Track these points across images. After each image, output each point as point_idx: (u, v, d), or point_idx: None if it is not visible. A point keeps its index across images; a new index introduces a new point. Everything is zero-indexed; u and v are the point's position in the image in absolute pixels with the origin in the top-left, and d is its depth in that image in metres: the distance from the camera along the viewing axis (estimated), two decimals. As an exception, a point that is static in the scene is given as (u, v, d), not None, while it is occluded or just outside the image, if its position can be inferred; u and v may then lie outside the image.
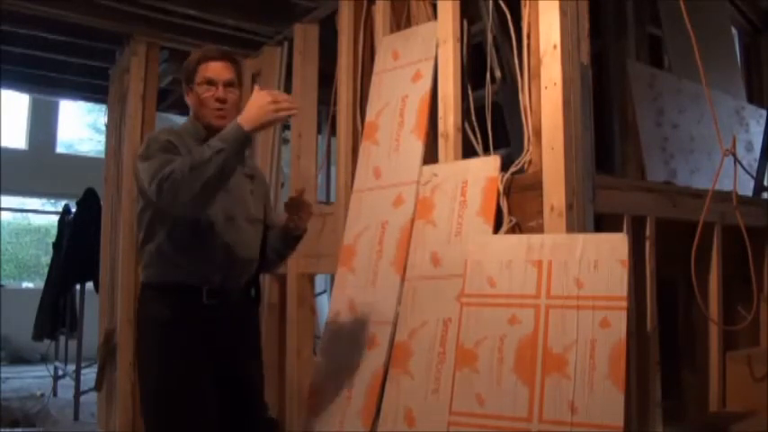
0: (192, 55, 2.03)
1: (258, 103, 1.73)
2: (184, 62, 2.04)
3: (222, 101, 1.93)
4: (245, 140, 1.73)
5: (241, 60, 3.82)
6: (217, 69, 1.94)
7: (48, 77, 4.64)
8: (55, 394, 5.55)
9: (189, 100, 2.00)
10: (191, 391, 1.83)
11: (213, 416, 1.85)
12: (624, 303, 1.79)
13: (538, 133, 2.13)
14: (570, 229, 1.98)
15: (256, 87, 1.80)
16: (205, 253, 1.89)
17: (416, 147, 2.51)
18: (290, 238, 2.12)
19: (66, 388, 5.34)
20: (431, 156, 2.50)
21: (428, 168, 2.45)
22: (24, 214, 9.81)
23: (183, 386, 1.83)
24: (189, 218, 1.84)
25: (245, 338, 2.02)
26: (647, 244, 2.31)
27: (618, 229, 2.17)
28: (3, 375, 6.19)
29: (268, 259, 2.14)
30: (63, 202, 6.82)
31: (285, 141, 4.05)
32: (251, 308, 2.09)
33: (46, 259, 8.00)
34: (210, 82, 1.93)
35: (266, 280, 3.51)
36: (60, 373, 5.69)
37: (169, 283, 1.88)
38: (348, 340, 2.40)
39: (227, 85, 1.95)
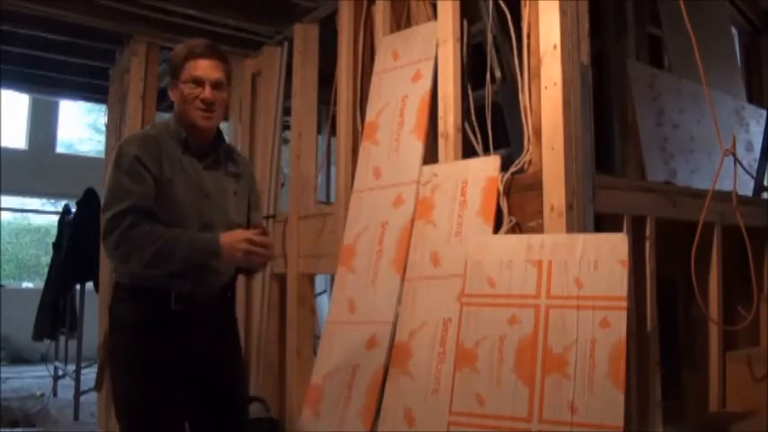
0: (179, 48, 1.90)
1: (235, 243, 1.73)
2: (170, 54, 1.94)
3: (209, 102, 1.83)
4: (215, 258, 1.75)
5: (231, 57, 3.83)
6: (205, 68, 1.83)
7: (48, 77, 4.64)
8: (55, 394, 5.55)
9: (173, 96, 1.89)
10: (153, 392, 1.77)
11: (177, 419, 1.82)
12: (624, 303, 1.79)
13: (538, 133, 2.13)
14: (570, 229, 1.98)
15: (247, 232, 1.78)
16: None
17: (416, 147, 2.50)
18: (245, 271, 2.04)
19: (66, 388, 5.34)
20: (431, 156, 2.50)
21: (428, 168, 2.45)
22: (24, 214, 9.81)
23: (147, 388, 1.77)
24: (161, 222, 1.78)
25: (219, 342, 1.91)
26: (647, 244, 2.31)
27: (618, 229, 2.17)
28: (3, 375, 6.18)
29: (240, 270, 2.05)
30: (63, 202, 6.81)
31: (285, 141, 4.05)
32: (225, 311, 1.99)
33: (46, 259, 7.99)
34: (198, 81, 1.82)
35: (266, 280, 3.52)
36: (60, 373, 5.69)
37: (138, 286, 1.81)
38: (348, 340, 2.40)
39: (216, 85, 1.84)
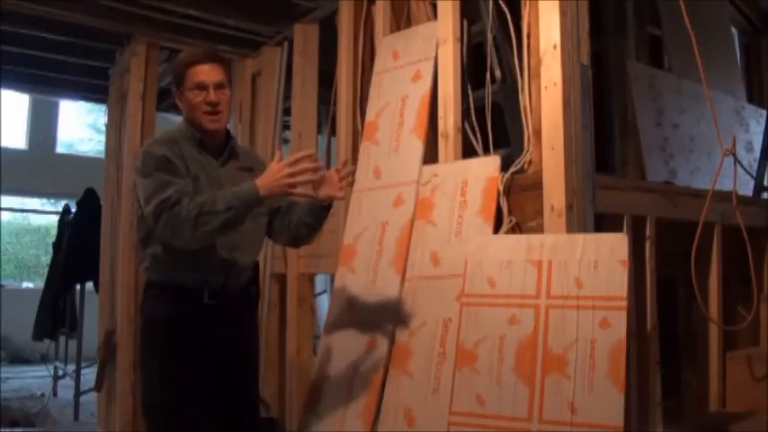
0: (180, 56, 2.02)
1: (275, 175, 1.75)
2: (172, 63, 2.02)
3: (214, 104, 1.91)
4: (257, 204, 1.78)
5: (231, 57, 3.85)
6: (206, 72, 1.91)
7: (48, 77, 4.63)
8: (55, 394, 5.55)
9: (180, 103, 1.99)
10: (186, 389, 1.85)
11: (206, 413, 1.87)
12: (624, 303, 1.79)
13: (538, 133, 2.13)
14: (570, 229, 1.98)
15: (278, 155, 1.79)
16: (207, 258, 1.89)
17: (416, 147, 2.50)
18: (321, 209, 2.00)
19: (66, 388, 5.34)
20: (431, 156, 2.50)
21: (428, 168, 2.45)
22: (24, 214, 9.81)
23: (180, 383, 1.85)
24: None
25: (244, 337, 2.04)
26: (647, 244, 2.31)
27: (618, 229, 2.17)
28: (3, 375, 6.19)
29: (300, 235, 2.08)
30: (63, 202, 6.81)
31: (285, 141, 4.05)
32: (250, 306, 2.10)
33: (46, 259, 7.99)
34: (201, 86, 1.91)
35: (266, 280, 3.52)
36: (60, 373, 5.69)
37: (171, 283, 1.90)
38: (348, 340, 2.40)
39: (218, 87, 1.92)
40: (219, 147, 2.00)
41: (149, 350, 1.95)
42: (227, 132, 2.05)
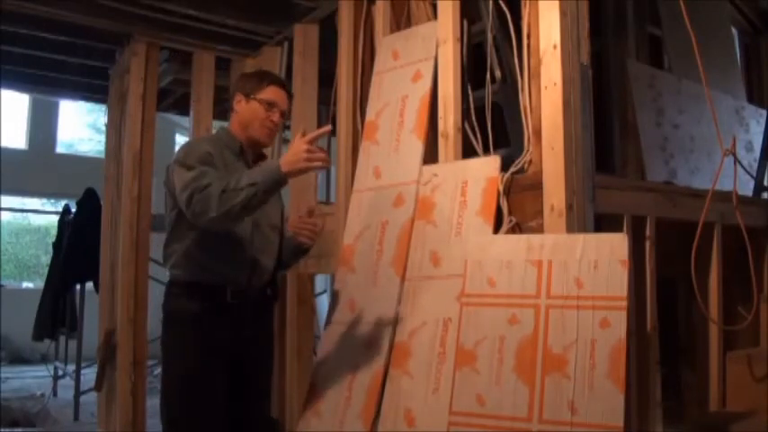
0: (262, 70, 2.30)
1: (296, 150, 1.83)
2: (251, 72, 2.25)
3: (276, 125, 2.11)
4: (279, 180, 1.84)
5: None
6: (282, 97, 2.12)
7: (48, 77, 4.63)
8: (55, 394, 5.56)
9: (239, 107, 2.11)
10: (207, 384, 1.94)
11: (222, 411, 1.96)
12: (624, 303, 1.79)
13: (538, 133, 2.13)
14: (570, 229, 1.97)
15: (299, 134, 1.90)
16: (233, 257, 2.02)
17: (416, 147, 2.50)
18: (299, 251, 2.24)
19: (66, 388, 5.34)
20: (431, 156, 2.50)
21: (428, 168, 2.45)
22: (24, 214, 9.81)
23: (201, 378, 1.94)
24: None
25: (261, 336, 2.13)
26: (647, 244, 2.31)
27: (618, 229, 2.17)
28: (3, 375, 6.19)
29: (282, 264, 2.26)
30: (63, 202, 6.82)
31: (285, 141, 4.05)
32: (268, 307, 2.21)
33: (46, 259, 8.00)
34: (273, 104, 2.09)
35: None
36: (60, 373, 5.69)
37: (195, 282, 1.99)
38: (348, 340, 2.40)
39: (283, 114, 2.13)
40: (254, 158, 2.15)
41: (172, 346, 2.03)
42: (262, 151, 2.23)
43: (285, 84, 2.19)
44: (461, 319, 2.01)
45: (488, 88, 2.48)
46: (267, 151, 3.70)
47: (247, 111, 2.09)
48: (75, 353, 5.08)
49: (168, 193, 2.01)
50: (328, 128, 2.03)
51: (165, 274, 2.12)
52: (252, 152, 2.14)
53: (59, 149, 9.45)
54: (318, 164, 1.85)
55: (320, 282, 4.78)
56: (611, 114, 3.31)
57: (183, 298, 2.00)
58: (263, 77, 2.15)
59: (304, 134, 1.88)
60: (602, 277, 1.84)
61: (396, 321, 2.28)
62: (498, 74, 2.51)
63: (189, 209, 1.84)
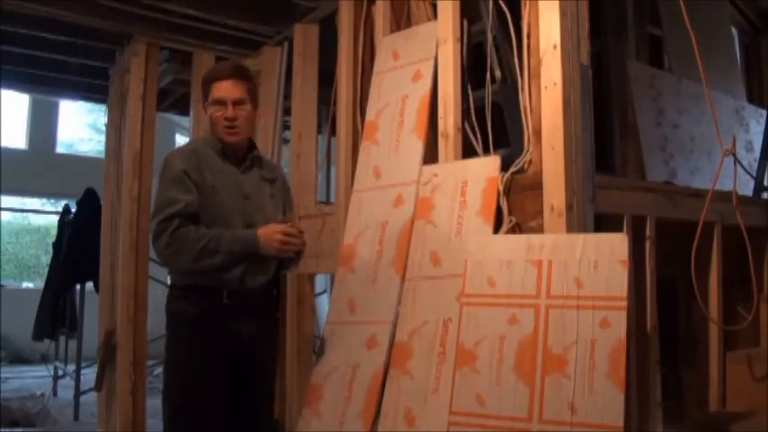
0: (206, 72, 2.18)
1: (271, 235, 1.97)
2: (202, 77, 2.17)
3: (231, 120, 2.03)
4: (254, 253, 1.97)
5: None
6: (226, 89, 2.03)
7: (48, 77, 4.63)
8: (55, 394, 5.55)
9: (206, 115, 2.12)
10: (205, 385, 1.96)
11: (222, 409, 1.98)
12: (624, 303, 1.79)
13: (538, 133, 2.13)
14: (570, 229, 1.97)
15: (288, 222, 2.05)
16: None
17: (416, 147, 2.50)
18: (288, 259, 2.21)
19: (66, 388, 5.34)
20: (431, 156, 2.50)
21: (428, 168, 2.45)
22: (24, 214, 9.81)
23: (199, 379, 1.96)
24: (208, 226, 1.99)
25: (261, 335, 2.12)
26: (647, 244, 2.31)
27: (618, 229, 2.17)
28: (3, 375, 6.19)
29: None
30: (63, 202, 6.82)
31: (285, 141, 4.05)
32: (270, 305, 2.20)
33: (46, 259, 7.99)
34: (220, 102, 2.03)
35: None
36: (60, 373, 5.69)
37: (192, 285, 2.02)
38: (348, 340, 2.40)
39: (237, 103, 2.04)
40: (241, 156, 2.13)
41: (172, 347, 2.05)
42: (251, 142, 2.18)
43: (232, 70, 2.08)
44: (461, 319, 2.01)
45: (488, 88, 2.48)
46: (267, 152, 3.73)
47: (209, 117, 2.09)
48: (75, 353, 5.08)
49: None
50: (299, 230, 2.06)
51: (164, 275, 2.14)
52: (236, 150, 2.11)
53: (59, 149, 9.45)
54: (292, 248, 2.01)
55: (320, 282, 4.78)
56: (611, 114, 3.31)
57: (181, 300, 2.03)
58: (207, 79, 2.10)
59: (284, 220, 2.02)
60: (602, 277, 1.84)
61: (396, 321, 2.28)
62: (498, 74, 2.51)
63: (157, 244, 1.92)
